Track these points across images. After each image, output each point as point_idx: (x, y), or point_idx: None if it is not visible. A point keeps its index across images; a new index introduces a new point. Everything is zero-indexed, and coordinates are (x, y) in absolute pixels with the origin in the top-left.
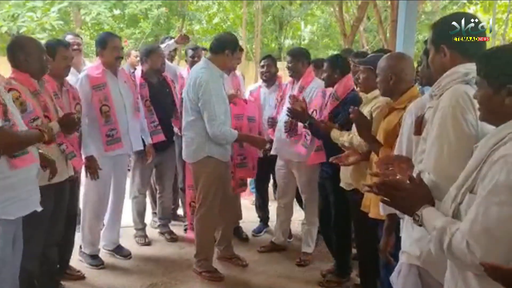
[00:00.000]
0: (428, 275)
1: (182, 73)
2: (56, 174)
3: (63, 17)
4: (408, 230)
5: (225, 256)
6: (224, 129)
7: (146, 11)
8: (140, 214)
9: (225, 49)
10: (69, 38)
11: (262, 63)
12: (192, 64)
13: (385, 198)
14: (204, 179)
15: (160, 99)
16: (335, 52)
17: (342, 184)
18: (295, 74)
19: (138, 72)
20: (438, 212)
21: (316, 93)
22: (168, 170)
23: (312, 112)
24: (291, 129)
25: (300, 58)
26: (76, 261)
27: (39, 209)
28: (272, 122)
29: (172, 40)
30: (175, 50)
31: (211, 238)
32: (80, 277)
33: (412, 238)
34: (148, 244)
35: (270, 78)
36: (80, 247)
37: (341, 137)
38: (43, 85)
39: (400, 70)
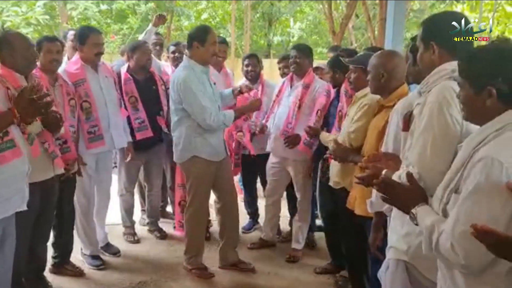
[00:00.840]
0: (416, 271)
1: (166, 69)
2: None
3: (49, 12)
4: (395, 226)
5: (230, 263)
6: (217, 118)
7: (133, 6)
8: (127, 212)
9: (193, 41)
10: (71, 34)
11: (246, 62)
12: (173, 60)
13: (383, 195)
14: (192, 179)
15: (146, 96)
16: (324, 50)
17: (330, 183)
18: (300, 71)
19: (125, 68)
20: (433, 210)
21: (320, 92)
22: (156, 168)
23: (317, 112)
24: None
25: (308, 55)
26: (78, 261)
27: (20, 209)
28: (261, 129)
29: (150, 25)
30: (161, 46)
31: (201, 235)
32: (79, 273)
33: (399, 233)
34: (137, 242)
35: (255, 77)
36: (81, 248)
37: (328, 138)
38: (31, 80)
39: (392, 68)
